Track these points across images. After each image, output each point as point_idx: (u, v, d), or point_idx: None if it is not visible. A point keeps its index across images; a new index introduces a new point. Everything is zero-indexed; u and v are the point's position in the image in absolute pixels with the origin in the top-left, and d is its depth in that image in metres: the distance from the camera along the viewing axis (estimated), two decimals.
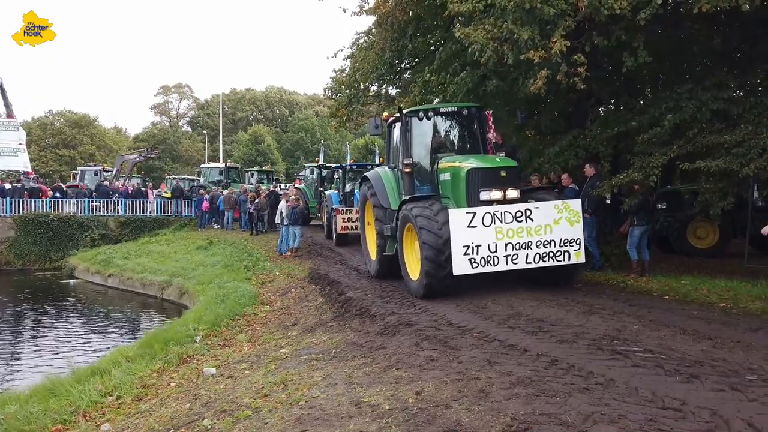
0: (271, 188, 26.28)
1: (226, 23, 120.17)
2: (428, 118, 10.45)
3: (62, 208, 27.24)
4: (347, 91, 16.57)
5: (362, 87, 16.27)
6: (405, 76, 16.13)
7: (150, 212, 28.99)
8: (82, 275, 22.95)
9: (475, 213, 8.28)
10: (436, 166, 9.98)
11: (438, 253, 8.36)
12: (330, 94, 18.52)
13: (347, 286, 11.30)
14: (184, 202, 29.51)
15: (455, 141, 10.96)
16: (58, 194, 28.45)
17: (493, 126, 10.39)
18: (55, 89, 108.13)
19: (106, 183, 30.70)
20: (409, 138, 10.20)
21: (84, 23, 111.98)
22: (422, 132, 10.60)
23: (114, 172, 33.24)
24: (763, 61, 9.93)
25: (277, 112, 75.37)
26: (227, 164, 33.31)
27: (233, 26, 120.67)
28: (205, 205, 26.62)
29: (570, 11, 9.08)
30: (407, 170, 9.92)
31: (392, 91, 17.23)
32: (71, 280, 22.90)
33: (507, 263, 8.36)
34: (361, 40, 16.78)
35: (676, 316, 7.18)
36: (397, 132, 10.90)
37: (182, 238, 24.91)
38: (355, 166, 21.52)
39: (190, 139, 70.90)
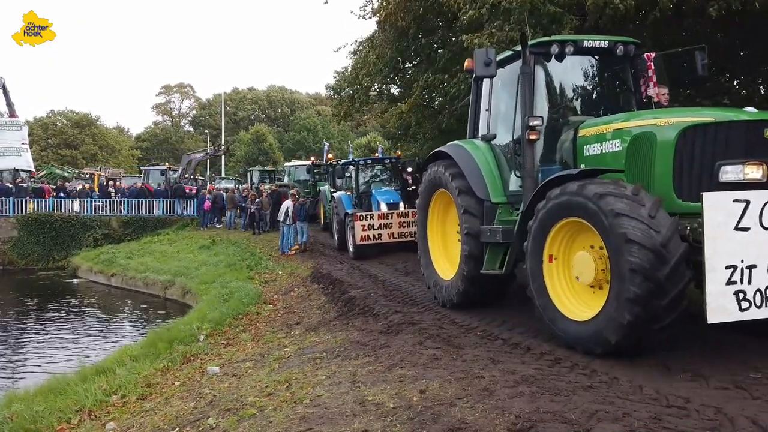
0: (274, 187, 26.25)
1: (228, 23, 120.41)
2: (560, 59, 6.80)
3: (64, 208, 27.27)
4: (349, 89, 16.58)
5: (364, 85, 16.26)
6: (407, 75, 16.13)
7: (152, 212, 29.01)
8: (85, 275, 22.98)
9: (748, 201, 4.59)
10: (574, 131, 6.52)
11: (658, 262, 4.77)
12: (332, 92, 18.56)
13: (350, 284, 11.31)
14: (186, 201, 29.53)
15: (596, 95, 7.42)
16: (61, 194, 28.48)
17: (655, 77, 6.96)
18: (56, 89, 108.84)
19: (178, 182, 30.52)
20: (533, 86, 6.66)
21: (84, 23, 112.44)
22: (550, 79, 7.07)
23: (180, 171, 33.03)
24: None
25: (279, 111, 75.41)
26: (313, 162, 28.87)
27: (235, 26, 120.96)
28: (207, 204, 26.66)
29: (574, 5, 9.07)
30: (533, 136, 6.43)
31: (394, 91, 17.25)
32: (74, 280, 22.93)
33: None
34: (364, 41, 16.82)
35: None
36: (501, 81, 7.43)
37: (184, 237, 24.93)
38: (370, 161, 18.35)
39: (192, 138, 70.95)
